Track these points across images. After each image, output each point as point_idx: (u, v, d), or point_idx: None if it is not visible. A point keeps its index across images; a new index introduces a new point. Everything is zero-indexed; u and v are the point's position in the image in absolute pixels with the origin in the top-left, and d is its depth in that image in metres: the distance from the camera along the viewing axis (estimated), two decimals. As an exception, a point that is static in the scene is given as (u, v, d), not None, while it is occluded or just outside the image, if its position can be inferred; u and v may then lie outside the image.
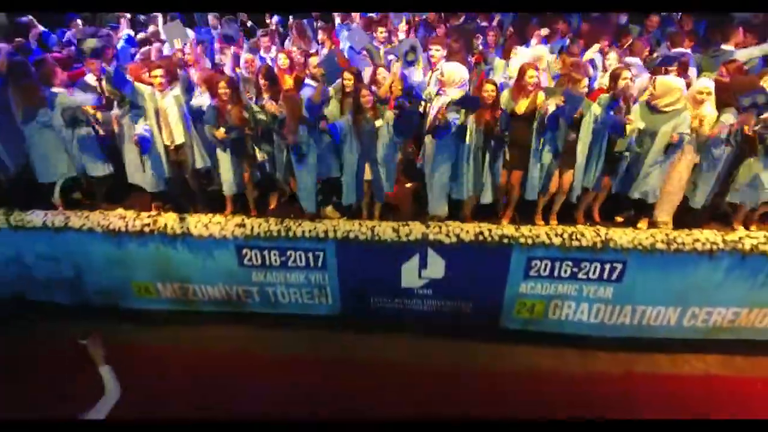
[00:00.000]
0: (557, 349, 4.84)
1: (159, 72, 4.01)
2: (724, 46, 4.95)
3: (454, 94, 3.92)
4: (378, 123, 3.97)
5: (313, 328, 5.11)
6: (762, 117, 3.68)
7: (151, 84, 4.10)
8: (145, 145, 4.04)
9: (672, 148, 3.88)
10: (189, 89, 4.24)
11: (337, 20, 6.03)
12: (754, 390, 4.53)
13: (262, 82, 4.10)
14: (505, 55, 4.71)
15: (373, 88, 4.14)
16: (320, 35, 5.33)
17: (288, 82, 4.41)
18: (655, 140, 3.92)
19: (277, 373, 4.59)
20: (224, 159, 4.34)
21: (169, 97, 4.12)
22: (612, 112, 3.83)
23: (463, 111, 3.84)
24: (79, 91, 4.40)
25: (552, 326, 4.85)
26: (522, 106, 3.97)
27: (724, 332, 4.73)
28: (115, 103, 4.16)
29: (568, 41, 5.03)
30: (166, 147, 4.27)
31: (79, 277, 5.03)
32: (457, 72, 3.93)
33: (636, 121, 3.88)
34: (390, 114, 3.99)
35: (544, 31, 5.22)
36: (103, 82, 4.19)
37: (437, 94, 4.04)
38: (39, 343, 4.78)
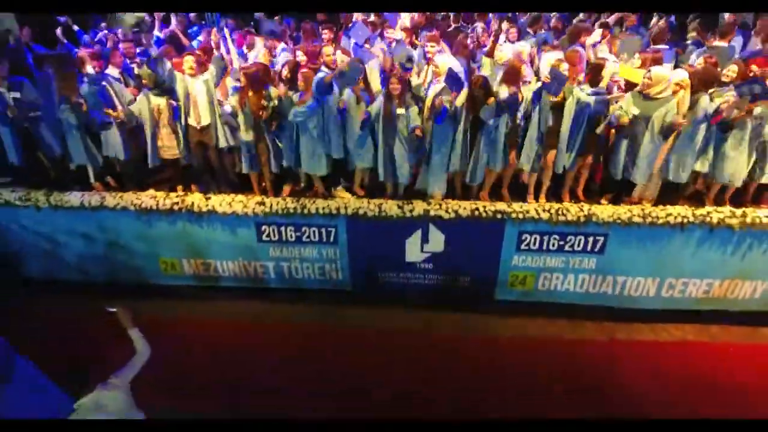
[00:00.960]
0: (547, 319, 5.30)
1: (191, 59, 4.55)
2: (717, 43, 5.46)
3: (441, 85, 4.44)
4: (399, 111, 4.48)
5: (325, 302, 5.57)
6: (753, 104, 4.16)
7: (182, 71, 4.64)
8: (175, 112, 4.62)
9: (668, 131, 4.37)
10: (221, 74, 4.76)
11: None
12: (726, 354, 4.97)
13: (284, 72, 4.62)
14: (490, 53, 5.21)
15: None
16: (326, 35, 5.86)
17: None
18: (649, 125, 4.41)
19: (291, 344, 4.99)
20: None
21: (199, 82, 4.65)
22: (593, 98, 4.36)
23: (451, 98, 4.35)
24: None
25: (542, 296, 5.32)
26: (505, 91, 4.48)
27: (700, 303, 5.19)
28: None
29: (550, 35, 5.59)
30: (192, 127, 4.80)
31: (110, 255, 5.50)
32: (448, 63, 4.45)
33: (629, 108, 4.37)
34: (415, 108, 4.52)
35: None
36: (138, 69, 4.72)
37: (431, 83, 4.56)
38: (69, 317, 5.20)
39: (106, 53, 5.46)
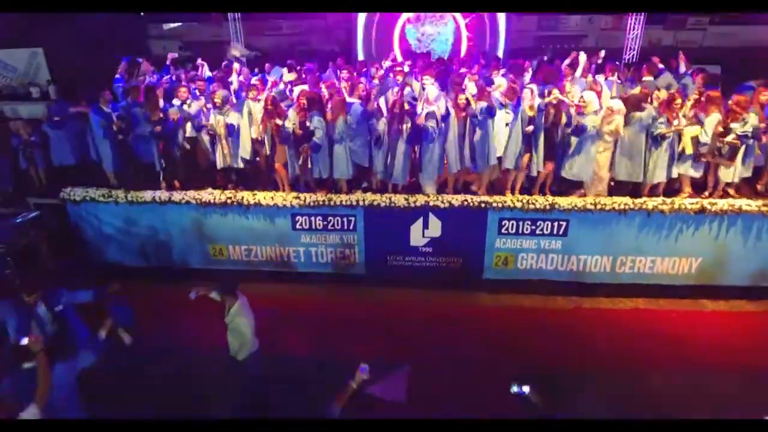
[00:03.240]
0: (526, 294, 6.51)
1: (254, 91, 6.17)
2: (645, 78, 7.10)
3: (432, 108, 5.91)
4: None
5: (343, 284, 6.78)
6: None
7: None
8: (231, 129, 6.11)
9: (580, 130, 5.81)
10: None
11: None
12: (670, 318, 6.16)
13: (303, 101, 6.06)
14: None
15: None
16: (345, 74, 7.48)
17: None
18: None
19: (316, 318, 6.01)
20: (281, 149, 6.29)
21: (258, 105, 6.18)
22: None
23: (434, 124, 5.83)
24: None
25: (522, 275, 6.56)
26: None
27: (647, 277, 6.44)
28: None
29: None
30: (253, 139, 6.28)
31: (169, 242, 6.79)
32: (434, 92, 5.98)
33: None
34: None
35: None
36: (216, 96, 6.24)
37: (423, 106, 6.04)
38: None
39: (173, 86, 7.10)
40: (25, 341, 3.43)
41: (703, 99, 5.90)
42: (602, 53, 8.38)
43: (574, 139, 5.92)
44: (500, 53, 12.00)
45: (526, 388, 3.14)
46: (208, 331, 4.44)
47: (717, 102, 5.77)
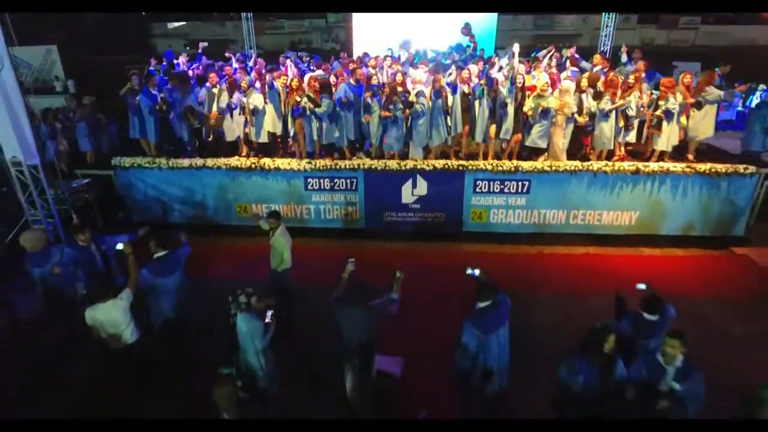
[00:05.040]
0: (497, 243, 7.91)
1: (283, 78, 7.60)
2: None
3: (421, 87, 7.32)
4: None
5: (346, 236, 8.17)
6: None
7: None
8: (255, 109, 7.54)
9: (546, 114, 7.21)
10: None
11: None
12: (615, 261, 7.54)
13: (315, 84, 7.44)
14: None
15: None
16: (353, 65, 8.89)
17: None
18: (540, 112, 7.28)
19: (325, 262, 7.38)
20: (299, 122, 7.68)
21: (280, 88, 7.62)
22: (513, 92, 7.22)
23: (425, 100, 7.22)
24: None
25: (494, 227, 7.97)
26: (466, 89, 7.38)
27: (596, 228, 7.85)
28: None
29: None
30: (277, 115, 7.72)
31: (203, 202, 8.18)
32: (420, 75, 7.40)
33: (532, 101, 7.22)
34: None
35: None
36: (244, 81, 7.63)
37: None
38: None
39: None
40: (120, 246, 4.83)
41: (630, 82, 7.28)
42: (573, 48, 9.82)
43: (536, 116, 7.33)
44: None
45: (477, 271, 4.50)
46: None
47: (639, 84, 7.20)
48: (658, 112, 7.18)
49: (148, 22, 29.98)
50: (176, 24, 31.84)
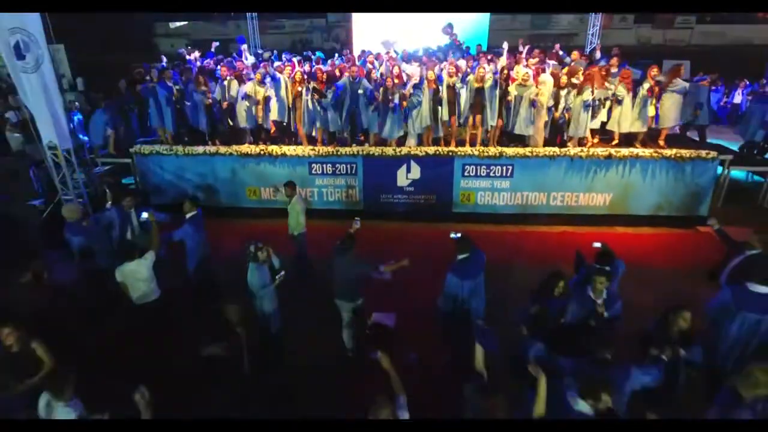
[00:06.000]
0: (486, 223, 8.70)
1: (289, 69, 8.35)
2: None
3: (415, 80, 8.11)
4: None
5: (347, 217, 8.93)
6: None
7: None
8: (268, 99, 8.29)
9: (533, 104, 7.99)
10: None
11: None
12: (590, 238, 8.22)
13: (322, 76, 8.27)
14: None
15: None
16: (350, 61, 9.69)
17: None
18: (522, 101, 8.06)
19: (327, 238, 8.23)
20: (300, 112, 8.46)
21: (288, 79, 8.39)
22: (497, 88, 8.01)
23: (420, 91, 8.01)
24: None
25: (481, 208, 8.76)
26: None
27: (573, 208, 8.64)
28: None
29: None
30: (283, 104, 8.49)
31: (215, 186, 8.96)
32: (413, 69, 8.18)
33: (514, 91, 8.01)
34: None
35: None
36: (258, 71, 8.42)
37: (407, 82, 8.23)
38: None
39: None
40: (144, 215, 5.64)
41: (590, 74, 8.09)
42: (557, 46, 10.62)
43: (519, 105, 8.11)
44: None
45: (458, 234, 5.29)
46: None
47: (593, 77, 8.03)
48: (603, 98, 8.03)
49: (151, 22, 30.72)
50: (178, 24, 32.62)
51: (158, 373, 4.25)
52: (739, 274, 4.64)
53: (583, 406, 2.95)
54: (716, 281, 5.16)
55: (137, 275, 5.15)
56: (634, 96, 8.10)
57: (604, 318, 4.13)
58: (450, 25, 11.21)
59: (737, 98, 16.68)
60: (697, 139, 9.59)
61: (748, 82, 16.56)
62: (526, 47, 9.80)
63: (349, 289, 5.05)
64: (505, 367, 3.97)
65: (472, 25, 13.70)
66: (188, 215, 6.00)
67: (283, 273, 5.22)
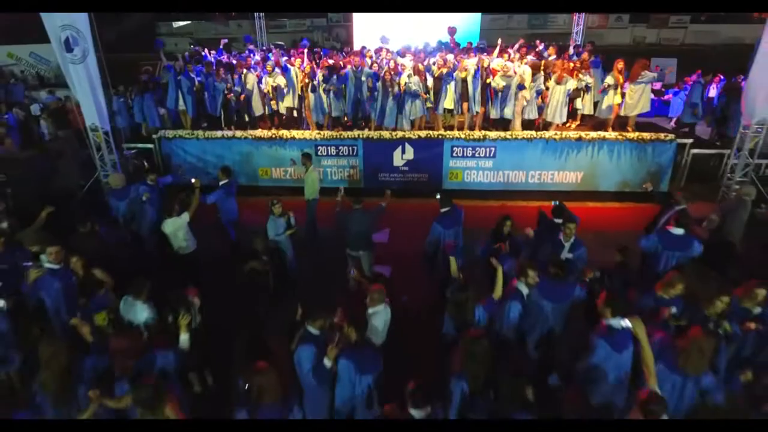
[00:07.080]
0: (472, 198, 9.81)
1: (298, 61, 9.46)
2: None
3: (410, 72, 9.23)
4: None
5: (348, 193, 10.05)
6: None
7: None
8: (280, 88, 9.40)
9: (520, 87, 9.10)
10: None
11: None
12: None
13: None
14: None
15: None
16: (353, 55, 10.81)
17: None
18: (510, 90, 9.18)
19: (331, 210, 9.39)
20: (308, 99, 9.58)
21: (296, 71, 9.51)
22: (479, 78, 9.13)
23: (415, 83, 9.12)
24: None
25: (468, 185, 9.88)
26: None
27: (549, 185, 9.76)
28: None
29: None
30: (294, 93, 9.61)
31: (233, 166, 10.04)
32: (406, 62, 9.31)
33: (500, 82, 9.12)
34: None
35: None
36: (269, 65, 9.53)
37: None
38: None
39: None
40: (193, 180, 6.77)
41: (577, 66, 9.22)
42: (539, 43, 11.78)
43: (500, 93, 9.24)
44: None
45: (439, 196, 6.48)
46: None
47: (564, 68, 9.10)
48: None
49: (154, 21, 31.79)
50: (181, 23, 33.72)
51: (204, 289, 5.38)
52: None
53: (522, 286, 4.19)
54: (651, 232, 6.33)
55: (176, 229, 6.28)
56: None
57: (569, 258, 5.32)
58: (454, 28, 12.23)
59: (712, 92, 17.81)
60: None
61: (722, 77, 17.69)
62: (517, 44, 10.95)
63: (365, 239, 6.36)
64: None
65: (465, 24, 14.82)
66: (221, 182, 7.17)
67: (295, 229, 6.43)
